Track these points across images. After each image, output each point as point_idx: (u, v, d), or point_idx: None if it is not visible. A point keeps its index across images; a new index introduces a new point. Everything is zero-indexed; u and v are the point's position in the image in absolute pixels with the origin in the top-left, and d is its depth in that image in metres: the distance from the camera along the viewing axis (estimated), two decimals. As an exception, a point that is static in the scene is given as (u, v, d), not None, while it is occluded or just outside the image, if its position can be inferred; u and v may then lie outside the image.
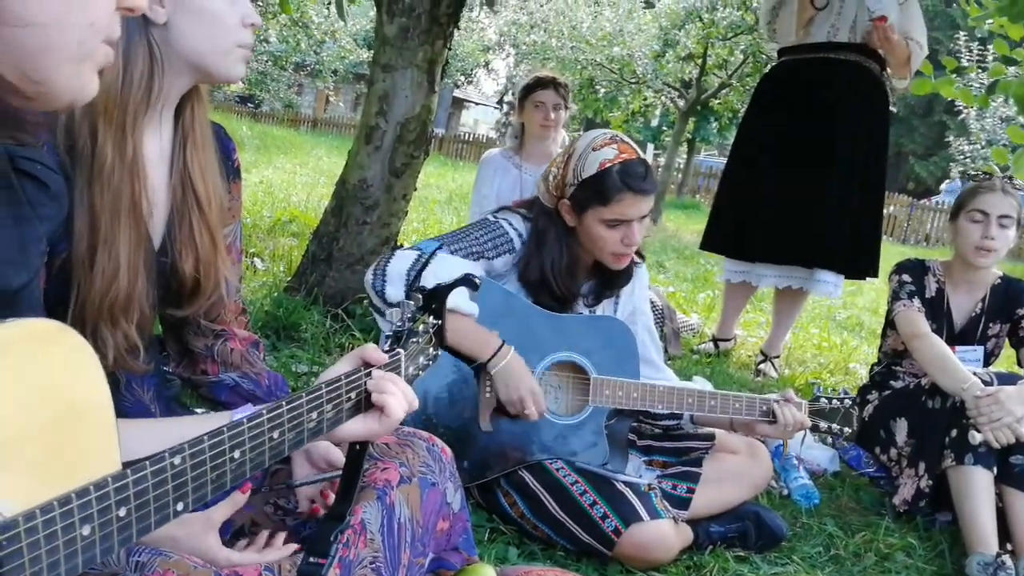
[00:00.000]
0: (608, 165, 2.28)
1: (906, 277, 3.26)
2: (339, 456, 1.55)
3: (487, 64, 33.94)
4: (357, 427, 1.34)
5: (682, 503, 2.36)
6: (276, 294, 3.92)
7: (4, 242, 0.99)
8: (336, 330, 3.65)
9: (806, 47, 4.19)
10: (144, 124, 1.44)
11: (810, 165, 4.17)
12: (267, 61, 25.08)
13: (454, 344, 2.19)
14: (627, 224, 2.31)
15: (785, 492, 2.95)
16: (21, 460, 0.82)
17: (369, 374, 1.34)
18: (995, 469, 2.72)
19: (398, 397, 1.34)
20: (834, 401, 2.57)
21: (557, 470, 2.28)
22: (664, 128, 17.50)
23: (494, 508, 2.36)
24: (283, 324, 3.62)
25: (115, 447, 0.93)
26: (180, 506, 0.97)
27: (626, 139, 2.39)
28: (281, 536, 1.40)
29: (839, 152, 4.15)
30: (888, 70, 4.25)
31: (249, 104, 27.46)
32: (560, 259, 2.36)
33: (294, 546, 1.37)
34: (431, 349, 1.53)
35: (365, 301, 3.80)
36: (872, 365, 3.57)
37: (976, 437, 2.71)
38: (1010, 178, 3.23)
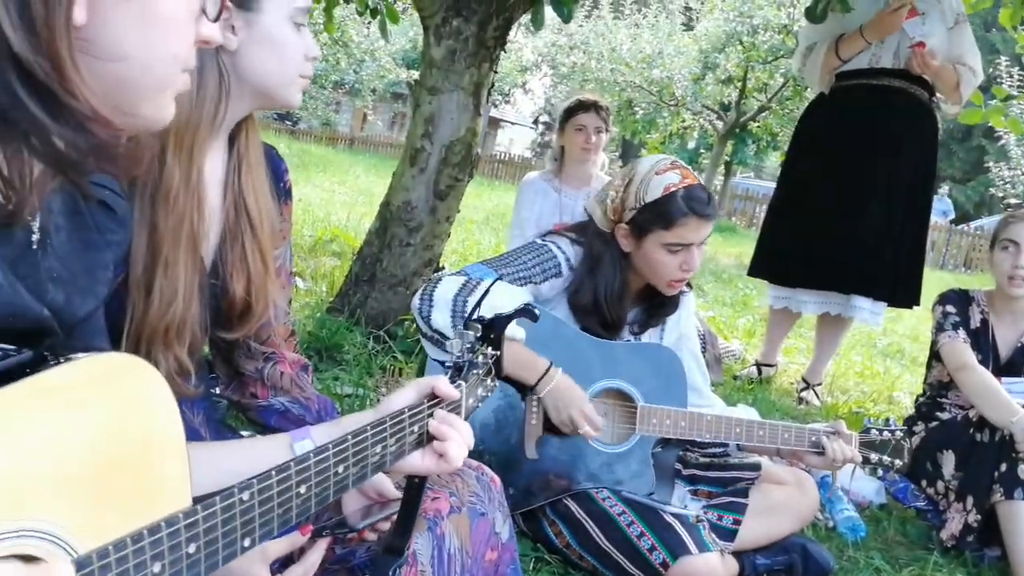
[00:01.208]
0: (673, 189, 2.28)
1: (950, 308, 3.22)
2: (389, 486, 1.53)
3: (524, 84, 34.02)
4: (416, 463, 1.32)
5: (728, 534, 2.32)
6: (319, 314, 3.93)
7: (73, 268, 0.98)
8: (378, 351, 3.65)
9: (851, 74, 4.15)
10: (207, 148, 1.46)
11: (853, 192, 4.14)
12: (306, 79, 25.23)
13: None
14: (687, 249, 2.30)
15: (831, 524, 2.91)
16: (93, 496, 0.81)
17: (432, 412, 1.32)
18: (1046, 505, 2.68)
19: (459, 443, 1.31)
20: (885, 432, 2.53)
21: (603, 499, 2.26)
22: (702, 150, 17.45)
23: (539, 537, 2.35)
24: (326, 345, 3.62)
25: (187, 483, 0.92)
26: (247, 542, 0.96)
27: (686, 165, 2.39)
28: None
29: (883, 179, 4.12)
30: (937, 96, 4.20)
31: (287, 121, 27.71)
32: (613, 284, 2.35)
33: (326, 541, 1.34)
34: (489, 380, 1.52)
35: (407, 323, 3.81)
36: (917, 396, 3.52)
37: (1026, 471, 2.66)
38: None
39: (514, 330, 2.16)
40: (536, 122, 40.05)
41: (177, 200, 1.37)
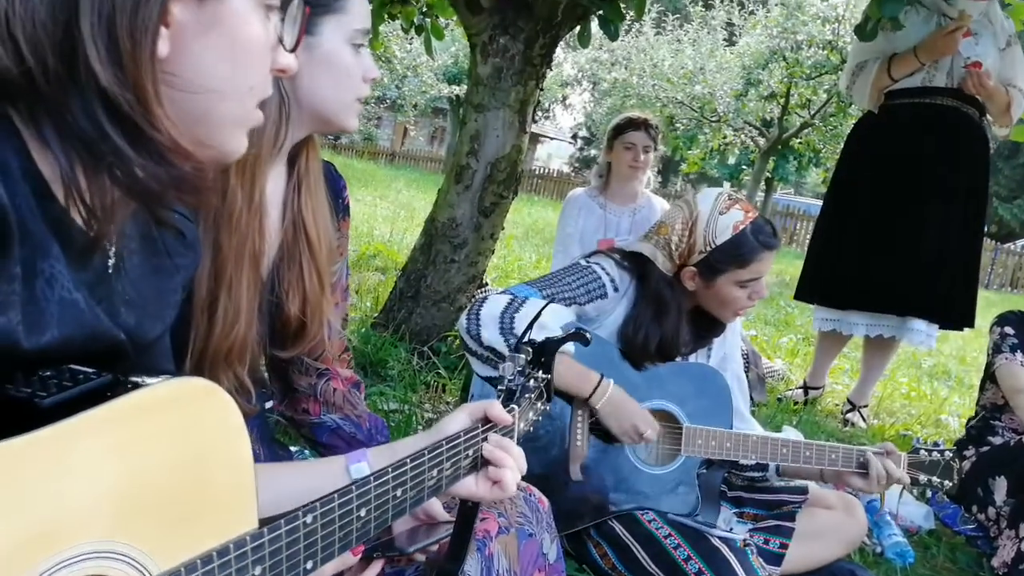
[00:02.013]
0: (741, 227, 2.28)
1: (1009, 329, 3.17)
2: (438, 507, 1.54)
3: (564, 99, 34.11)
4: (471, 488, 1.33)
5: (775, 559, 2.30)
6: (364, 330, 3.96)
7: (144, 292, 1.00)
8: (422, 367, 3.67)
9: (901, 92, 4.10)
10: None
11: (905, 212, 4.07)
12: (349, 94, 25.52)
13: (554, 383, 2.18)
14: (758, 280, 2.32)
15: (879, 549, 2.86)
16: (168, 518, 0.83)
17: (486, 436, 1.33)
18: (1103, 535, 2.62)
19: (514, 471, 1.32)
20: (934, 453, 2.49)
21: (649, 521, 2.24)
22: (743, 166, 17.37)
23: (583, 558, 2.33)
24: (371, 360, 3.64)
25: (254, 506, 0.93)
26: (310, 564, 0.97)
27: (741, 196, 2.40)
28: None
29: (936, 198, 4.05)
30: (988, 116, 4.14)
31: (329, 136, 27.94)
32: (677, 328, 2.35)
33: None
34: (540, 404, 1.52)
35: (451, 339, 3.82)
36: (969, 419, 3.46)
37: (1083, 500, 2.61)
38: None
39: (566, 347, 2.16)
40: (575, 137, 40.07)
41: (240, 222, 1.38)
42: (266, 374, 1.76)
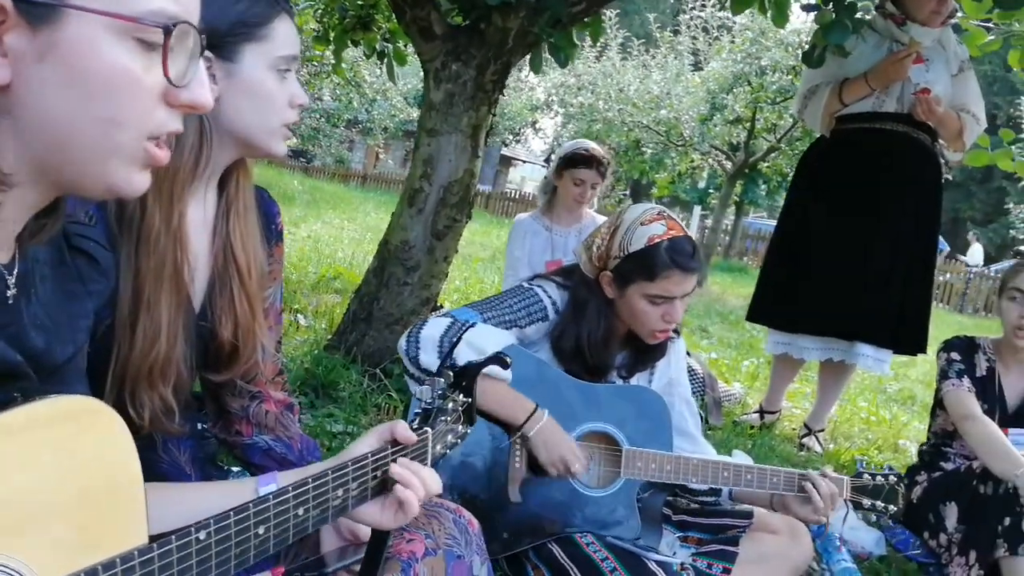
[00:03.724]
0: (657, 241, 2.26)
1: (955, 355, 3.18)
2: (365, 528, 1.53)
3: (535, 123, 34.31)
4: (376, 518, 1.34)
5: (718, 584, 2.28)
6: (316, 351, 3.94)
7: (56, 317, 1.02)
8: (373, 390, 3.65)
9: (852, 117, 4.13)
10: (190, 193, 1.47)
11: (854, 237, 4.10)
12: (320, 118, 25.64)
13: (488, 409, 2.18)
14: (670, 301, 2.28)
15: (827, 575, 2.85)
16: (53, 533, 0.85)
17: (396, 458, 1.33)
18: (1051, 560, 2.62)
19: (419, 493, 1.33)
20: (878, 477, 2.48)
21: (587, 545, 2.22)
22: (711, 190, 17.50)
23: (523, 582, 2.31)
24: (322, 382, 3.62)
25: (143, 521, 0.96)
26: (205, 581, 0.99)
27: (673, 216, 2.38)
28: None
29: (886, 223, 4.08)
30: (939, 142, 4.17)
31: (301, 159, 27.99)
32: (597, 330, 2.34)
33: None
34: (460, 427, 1.52)
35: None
36: (921, 445, 3.47)
37: (1030, 526, 2.61)
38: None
39: (500, 372, 2.15)
40: (548, 160, 40.29)
41: (158, 243, 1.39)
42: (199, 396, 1.76)
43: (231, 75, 1.42)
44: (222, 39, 1.38)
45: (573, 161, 4.21)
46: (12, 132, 0.85)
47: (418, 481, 1.33)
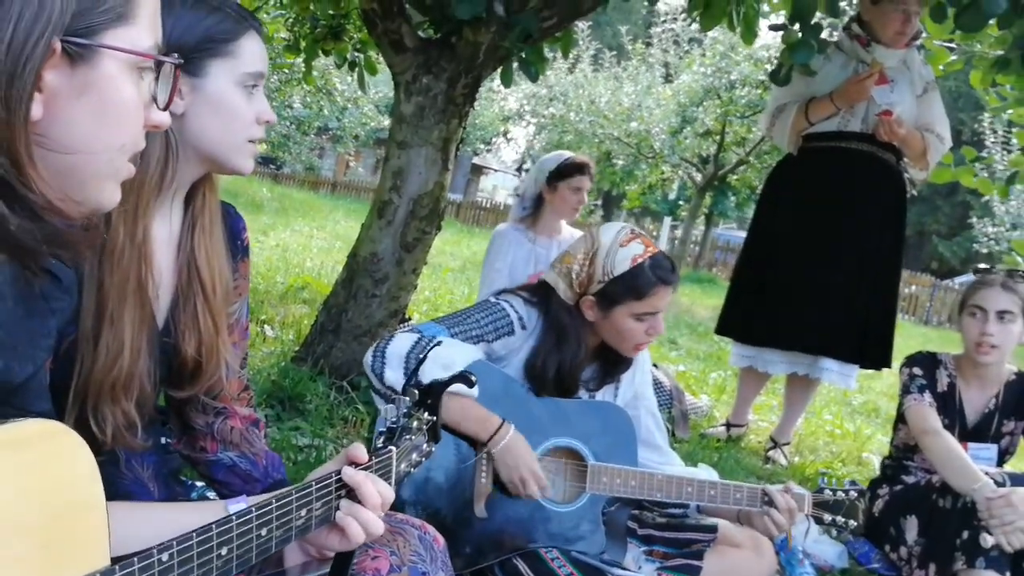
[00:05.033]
0: (640, 260, 2.32)
1: (917, 370, 3.22)
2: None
3: (506, 133, 34.38)
4: (322, 542, 1.37)
5: (682, 598, 2.30)
6: (283, 364, 3.91)
7: (15, 335, 1.02)
8: (340, 402, 3.63)
9: (819, 136, 4.19)
10: (155, 208, 1.46)
11: (820, 253, 4.15)
12: (290, 125, 25.53)
13: (454, 424, 2.19)
14: (654, 316, 2.34)
15: (790, 588, 2.88)
16: (14, 556, 0.85)
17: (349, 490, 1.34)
18: (1008, 574, 2.66)
19: (363, 522, 1.34)
20: (839, 493, 2.51)
21: (552, 560, 2.23)
22: (681, 202, 17.63)
23: (488, 597, 2.32)
24: (288, 395, 3.60)
25: (105, 544, 0.95)
26: (165, 602, 0.98)
27: (642, 231, 2.44)
28: None
29: (849, 240, 4.14)
30: (904, 161, 4.24)
31: (271, 166, 27.83)
32: (577, 356, 2.37)
33: None
34: (425, 445, 1.52)
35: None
36: (884, 458, 3.51)
37: (988, 540, 2.65)
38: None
39: (465, 391, 2.15)
40: (519, 169, 40.35)
41: (122, 257, 1.38)
42: (164, 411, 1.75)
43: (197, 90, 1.42)
44: (189, 54, 1.38)
45: (568, 171, 4.25)
46: (42, 163, 0.90)
47: (366, 512, 1.34)
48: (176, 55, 1.02)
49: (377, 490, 1.35)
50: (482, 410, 2.21)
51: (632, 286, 2.31)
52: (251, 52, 1.47)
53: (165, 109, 1.02)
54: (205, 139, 1.45)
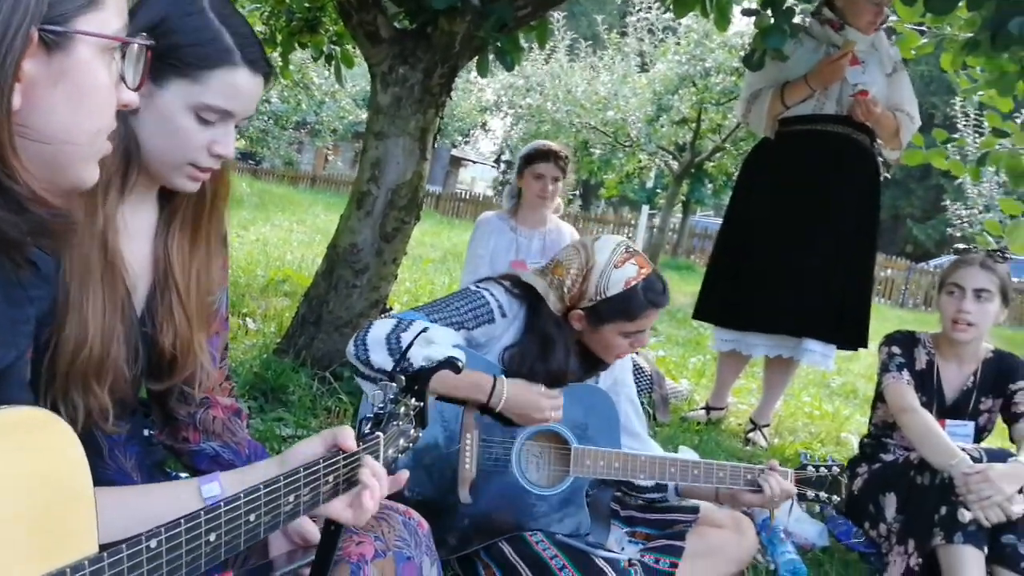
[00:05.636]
0: (633, 283, 2.33)
1: (895, 349, 3.26)
2: (314, 531, 1.54)
3: (484, 124, 34.32)
4: (335, 508, 1.36)
5: (665, 578, 2.33)
6: (265, 356, 3.92)
7: None
8: (323, 393, 3.64)
9: (794, 119, 4.23)
10: (128, 198, 1.46)
11: (797, 236, 4.19)
12: (268, 120, 25.40)
13: (448, 393, 2.22)
14: (642, 332, 2.38)
15: (772, 567, 2.91)
16: (2, 543, 0.85)
17: (354, 462, 1.36)
18: (986, 548, 2.70)
19: (377, 502, 1.37)
20: (821, 469, 2.54)
21: (537, 543, 2.26)
22: (659, 189, 17.65)
23: (474, 581, 2.34)
24: (271, 386, 3.61)
25: (93, 531, 0.96)
26: (156, 588, 0.98)
27: (637, 249, 2.43)
28: None
29: (825, 223, 4.18)
30: (877, 142, 4.28)
31: (250, 161, 27.68)
32: (564, 364, 2.38)
33: None
34: (411, 431, 1.53)
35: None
36: (863, 437, 3.55)
37: (966, 515, 2.69)
38: (1002, 251, 3.23)
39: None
40: (498, 161, 40.31)
41: (81, 244, 1.38)
42: (146, 403, 1.75)
43: (152, 95, 1.38)
44: (153, 59, 1.35)
45: (531, 158, 4.31)
46: (24, 153, 0.91)
47: (379, 487, 1.36)
48: (145, 35, 1.04)
49: (373, 472, 1.37)
50: (473, 373, 2.23)
51: (624, 308, 2.33)
52: (224, 86, 1.40)
53: (137, 89, 1.04)
54: (147, 145, 1.43)
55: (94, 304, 1.40)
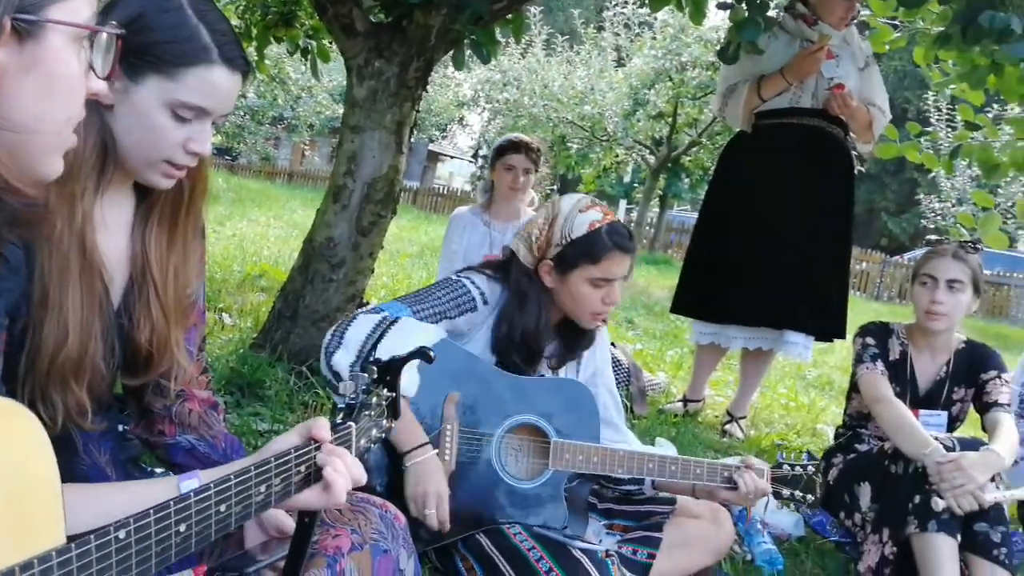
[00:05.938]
0: (597, 225, 2.35)
1: (869, 340, 3.28)
2: (289, 524, 1.54)
3: (461, 119, 34.28)
4: (306, 497, 1.34)
5: (642, 569, 2.34)
6: (242, 351, 3.90)
7: None
8: (300, 387, 3.63)
9: (771, 112, 4.25)
10: (105, 192, 1.45)
11: (773, 230, 4.21)
12: (244, 115, 25.26)
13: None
14: (610, 283, 2.37)
15: (749, 557, 2.93)
16: None
17: (319, 448, 1.34)
18: (959, 536, 2.72)
19: (344, 476, 1.34)
20: (796, 468, 2.56)
21: (515, 535, 2.26)
22: (636, 184, 17.71)
23: (451, 572, 2.33)
24: (247, 381, 3.59)
25: (60, 522, 0.95)
26: (126, 579, 0.97)
27: (602, 202, 2.47)
28: None
29: (801, 216, 4.20)
30: (852, 134, 4.32)
31: (226, 156, 27.51)
32: (537, 319, 2.39)
33: None
34: (384, 422, 1.53)
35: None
36: (838, 428, 3.57)
37: (939, 504, 2.71)
38: (975, 242, 3.26)
39: (410, 381, 2.12)
40: (475, 156, 40.27)
41: (60, 242, 1.36)
42: (121, 398, 1.74)
43: (127, 91, 1.37)
44: (130, 55, 1.32)
45: (503, 150, 4.33)
46: None
47: (342, 464, 1.34)
48: (114, 23, 1.04)
49: (348, 467, 1.35)
50: (413, 423, 2.20)
51: (588, 251, 2.34)
52: (201, 84, 1.39)
53: (107, 79, 1.04)
54: (123, 142, 1.41)
55: (73, 302, 1.38)
